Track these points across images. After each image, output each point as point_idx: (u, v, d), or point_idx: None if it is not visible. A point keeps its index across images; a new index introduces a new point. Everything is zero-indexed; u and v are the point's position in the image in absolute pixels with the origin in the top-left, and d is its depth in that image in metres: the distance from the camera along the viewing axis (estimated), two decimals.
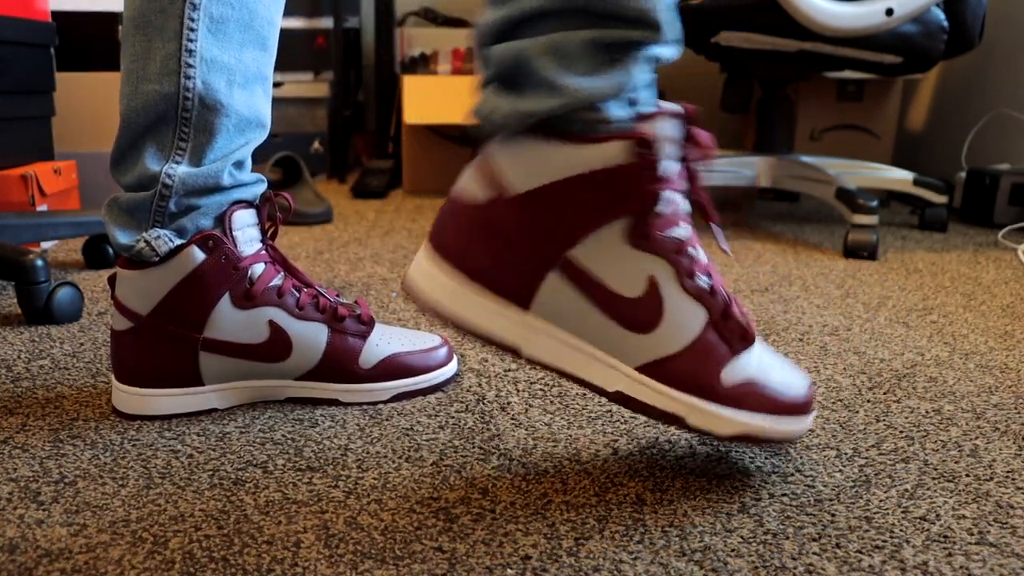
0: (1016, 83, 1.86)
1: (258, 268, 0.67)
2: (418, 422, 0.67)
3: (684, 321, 0.54)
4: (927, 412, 0.70)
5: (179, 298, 0.65)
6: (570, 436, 0.64)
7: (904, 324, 0.96)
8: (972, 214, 1.72)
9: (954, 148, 2.06)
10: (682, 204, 0.55)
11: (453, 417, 0.68)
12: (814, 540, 0.50)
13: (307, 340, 0.68)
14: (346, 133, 2.27)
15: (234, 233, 0.66)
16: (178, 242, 0.65)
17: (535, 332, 0.54)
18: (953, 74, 2.08)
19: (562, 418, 0.68)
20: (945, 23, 1.40)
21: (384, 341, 0.72)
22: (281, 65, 2.15)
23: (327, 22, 2.20)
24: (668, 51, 0.54)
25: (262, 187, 0.69)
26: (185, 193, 0.64)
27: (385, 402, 0.70)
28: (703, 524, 0.52)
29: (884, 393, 0.75)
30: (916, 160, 2.22)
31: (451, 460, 0.60)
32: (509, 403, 0.71)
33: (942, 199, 1.60)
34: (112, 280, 0.67)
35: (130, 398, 0.66)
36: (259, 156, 0.90)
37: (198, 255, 0.65)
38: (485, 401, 0.71)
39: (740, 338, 0.56)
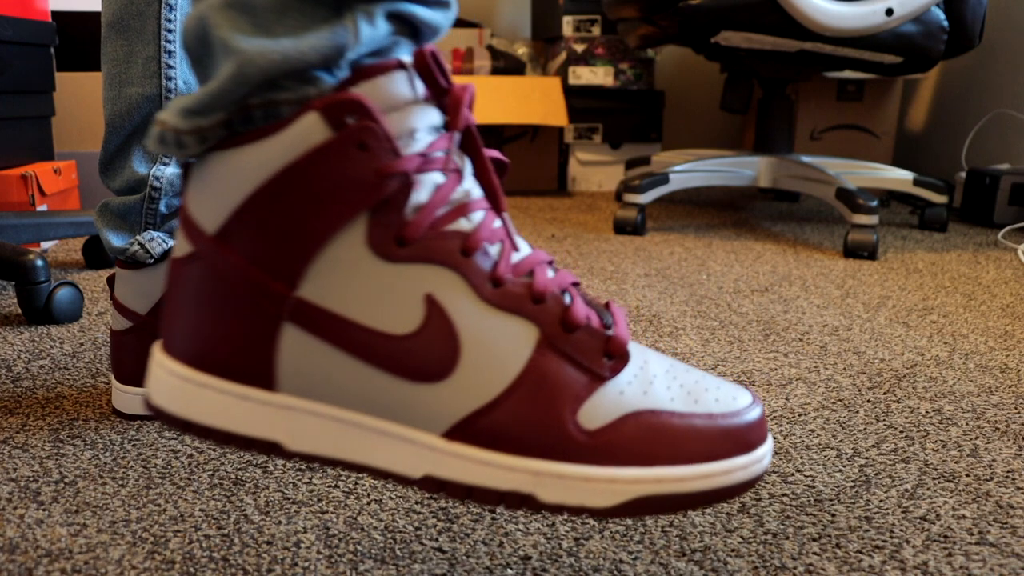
0: (1016, 83, 1.86)
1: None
2: None
3: (497, 349, 0.37)
4: (927, 412, 0.70)
5: None
6: None
7: (904, 324, 0.96)
8: (972, 214, 1.73)
9: (954, 148, 2.06)
10: (465, 187, 0.39)
11: None
12: (814, 540, 0.50)
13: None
14: None
15: None
16: (171, 243, 0.65)
17: (295, 417, 0.38)
18: (953, 74, 2.08)
19: None
20: (945, 23, 1.40)
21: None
22: None
23: None
24: (423, 10, 0.39)
25: None
26: (175, 194, 0.65)
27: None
28: (703, 524, 0.52)
29: (884, 393, 0.75)
30: (916, 160, 2.22)
31: None
32: None
33: (942, 199, 1.60)
34: (111, 280, 0.67)
35: (130, 398, 0.66)
36: None
37: None
38: None
39: (602, 355, 0.38)
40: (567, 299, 0.39)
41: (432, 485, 0.38)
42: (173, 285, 0.40)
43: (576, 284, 0.41)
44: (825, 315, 1.00)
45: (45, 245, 1.36)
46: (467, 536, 0.50)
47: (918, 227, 1.65)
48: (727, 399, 0.40)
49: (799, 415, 0.69)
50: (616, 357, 0.39)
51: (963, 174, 1.77)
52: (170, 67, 0.63)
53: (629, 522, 0.52)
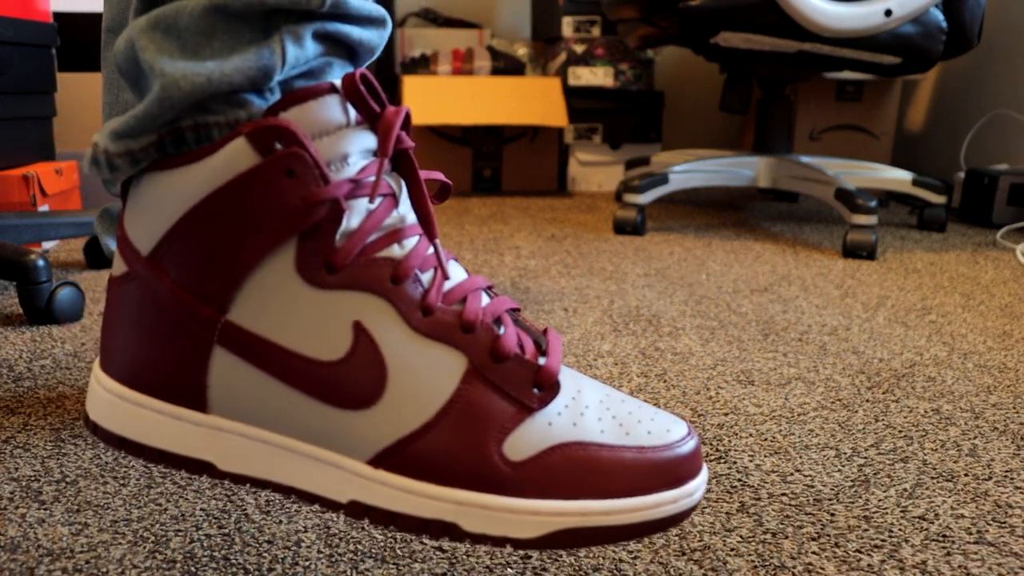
0: (1015, 83, 1.86)
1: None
2: None
3: (424, 378, 0.37)
4: (926, 412, 0.71)
5: None
6: None
7: (903, 324, 0.97)
8: (971, 214, 1.73)
9: (953, 148, 2.07)
10: (400, 212, 0.39)
11: None
12: (813, 539, 0.50)
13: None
14: None
15: None
16: None
17: (225, 438, 0.39)
18: (952, 75, 2.08)
19: None
20: (944, 24, 1.40)
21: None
22: None
23: None
24: (354, 29, 0.39)
25: None
26: None
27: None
28: (702, 523, 0.52)
29: (883, 393, 0.75)
30: (915, 160, 2.22)
31: None
32: None
33: (941, 199, 1.60)
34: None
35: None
36: None
37: None
38: None
39: (531, 385, 0.38)
40: (499, 328, 0.39)
41: (358, 511, 0.38)
42: (110, 304, 0.40)
43: (515, 310, 0.41)
44: (824, 315, 1.00)
45: (46, 245, 1.36)
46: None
47: (917, 227, 1.65)
48: (660, 431, 0.39)
49: (798, 415, 0.69)
50: (545, 388, 0.38)
51: (962, 174, 1.78)
52: None
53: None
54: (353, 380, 0.37)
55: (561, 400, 0.39)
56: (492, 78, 1.99)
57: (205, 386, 0.38)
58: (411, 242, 0.39)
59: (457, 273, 0.40)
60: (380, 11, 0.41)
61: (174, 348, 0.38)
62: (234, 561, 0.47)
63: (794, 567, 0.47)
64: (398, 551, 0.48)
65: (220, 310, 0.37)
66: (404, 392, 0.37)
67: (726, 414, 0.69)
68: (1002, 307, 1.05)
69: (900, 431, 0.66)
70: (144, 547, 0.48)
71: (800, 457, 0.61)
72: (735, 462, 0.60)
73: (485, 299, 0.40)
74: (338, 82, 0.38)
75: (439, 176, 0.42)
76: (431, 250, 0.40)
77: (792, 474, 0.59)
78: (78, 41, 1.80)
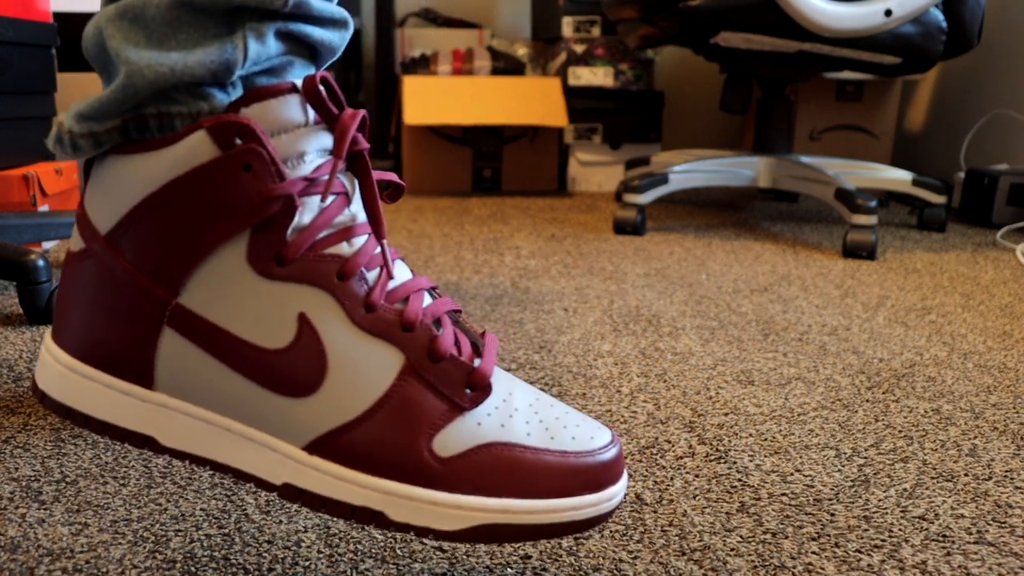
0: (1015, 83, 1.86)
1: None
2: None
3: (362, 372, 0.39)
4: (926, 412, 0.71)
5: None
6: None
7: (903, 324, 0.97)
8: (971, 214, 1.73)
9: (953, 148, 2.07)
10: (351, 211, 0.41)
11: None
12: (813, 539, 0.50)
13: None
14: None
15: None
16: None
17: (169, 415, 0.40)
18: (952, 75, 2.08)
19: None
20: (944, 24, 1.40)
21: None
22: None
23: None
24: (316, 30, 0.41)
25: None
26: None
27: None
28: (702, 523, 0.52)
29: (883, 393, 0.75)
30: (915, 160, 2.22)
31: None
32: None
33: (941, 199, 1.60)
34: None
35: None
36: None
37: None
38: None
39: (464, 385, 0.40)
40: (437, 329, 0.41)
41: (291, 493, 0.40)
42: (66, 278, 0.42)
43: (457, 311, 0.43)
44: (824, 315, 1.00)
45: (47, 245, 1.36)
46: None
47: (917, 227, 1.65)
48: (584, 438, 0.41)
49: (798, 415, 0.69)
50: (477, 389, 0.40)
51: (962, 174, 1.78)
52: None
53: (629, 521, 0.52)
54: (294, 369, 0.39)
55: (492, 402, 0.40)
56: (492, 78, 1.99)
57: (152, 364, 0.40)
58: (360, 240, 0.40)
59: (402, 273, 0.42)
60: (342, 13, 0.42)
61: (125, 326, 0.40)
62: (234, 561, 0.47)
63: (794, 567, 0.47)
64: (398, 551, 0.48)
65: (172, 293, 0.39)
66: (342, 384, 0.39)
67: (726, 414, 0.69)
68: (1002, 307, 1.05)
69: (900, 431, 0.66)
70: (144, 547, 0.48)
71: (800, 457, 0.61)
72: (735, 462, 0.60)
73: (427, 299, 0.42)
74: (299, 82, 0.39)
75: (392, 177, 0.44)
76: (378, 249, 0.41)
77: (792, 474, 0.59)
78: (78, 41, 1.80)
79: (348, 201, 0.41)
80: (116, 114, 0.38)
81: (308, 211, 0.39)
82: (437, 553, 0.48)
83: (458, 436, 0.39)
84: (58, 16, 1.76)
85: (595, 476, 0.40)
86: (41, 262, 0.91)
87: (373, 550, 0.48)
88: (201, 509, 0.53)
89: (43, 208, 1.31)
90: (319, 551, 0.48)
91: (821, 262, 1.31)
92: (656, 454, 0.61)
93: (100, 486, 0.56)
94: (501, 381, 0.42)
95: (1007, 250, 1.44)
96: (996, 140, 1.92)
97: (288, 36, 0.40)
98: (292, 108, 0.39)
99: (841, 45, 1.39)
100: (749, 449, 0.63)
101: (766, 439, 0.64)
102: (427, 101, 1.95)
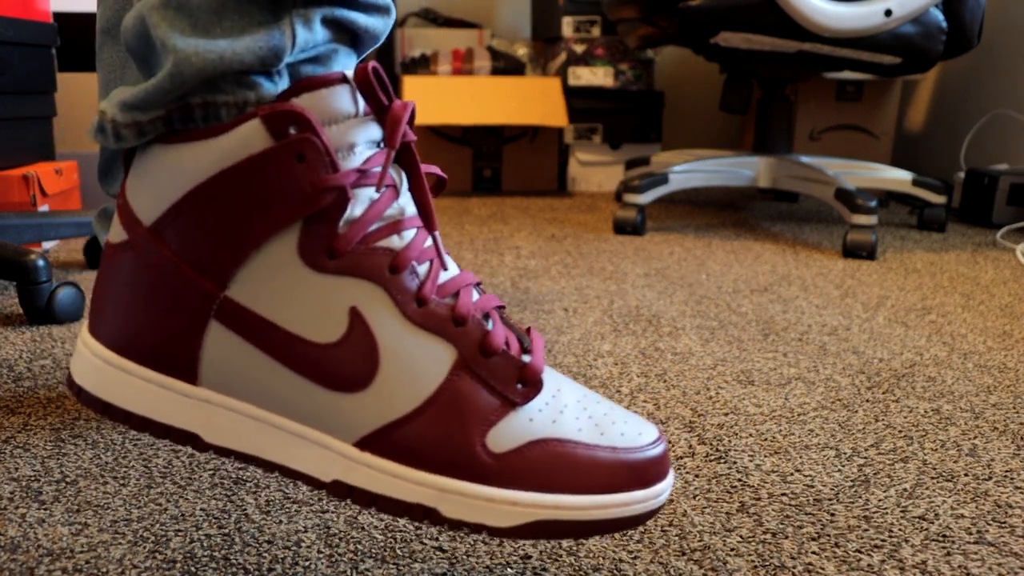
0: (1015, 83, 1.86)
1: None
2: None
3: (414, 367, 0.38)
4: (926, 412, 0.71)
5: None
6: None
7: (903, 324, 0.97)
8: (971, 214, 1.73)
9: (953, 148, 2.07)
10: (400, 204, 0.40)
11: None
12: (813, 539, 0.50)
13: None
14: None
15: None
16: None
17: (213, 411, 0.39)
18: (952, 75, 2.08)
19: None
20: (944, 24, 1.40)
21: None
22: None
23: None
24: (361, 16, 0.40)
25: None
26: None
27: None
28: (702, 523, 0.52)
29: (883, 393, 0.75)
30: (915, 160, 2.22)
31: None
32: None
33: (941, 199, 1.60)
34: None
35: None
36: None
37: None
38: None
39: (515, 381, 0.39)
40: (488, 324, 0.40)
41: (341, 490, 0.39)
42: (105, 269, 0.41)
43: (501, 308, 0.42)
44: (824, 315, 1.00)
45: (46, 245, 1.36)
46: (467, 535, 0.50)
47: (917, 227, 1.65)
48: (632, 434, 0.40)
49: (798, 415, 0.69)
50: (529, 384, 0.40)
51: (962, 174, 1.78)
52: None
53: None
54: (346, 363, 0.38)
55: (542, 398, 0.40)
56: (492, 78, 1.99)
57: (198, 359, 0.39)
58: (410, 233, 0.40)
59: (451, 266, 0.41)
60: None
61: (169, 319, 0.39)
62: (234, 561, 0.47)
63: (794, 567, 0.47)
64: (398, 551, 0.48)
65: (220, 285, 0.38)
66: (394, 378, 0.38)
67: (726, 414, 0.69)
68: (1002, 307, 1.05)
69: (900, 431, 0.66)
70: (144, 547, 0.48)
71: (800, 457, 0.61)
72: (735, 462, 0.60)
73: (475, 295, 0.41)
74: (350, 73, 0.38)
75: (436, 170, 0.43)
76: (429, 242, 0.41)
77: (792, 474, 0.59)
78: (78, 41, 1.80)
79: (397, 194, 0.40)
80: (161, 104, 0.37)
81: (359, 203, 0.38)
82: (437, 553, 0.48)
83: (511, 432, 0.39)
84: (58, 16, 1.76)
85: (644, 472, 0.39)
86: (41, 262, 0.91)
87: (373, 550, 0.48)
88: (201, 509, 0.53)
89: (43, 208, 1.31)
90: (319, 551, 0.48)
91: (821, 262, 1.31)
92: None
93: (100, 486, 0.56)
94: (549, 377, 0.42)
95: (1007, 250, 1.44)
96: (996, 140, 1.92)
97: (333, 23, 0.39)
98: (343, 98, 0.38)
99: (841, 45, 1.39)
100: (749, 449, 0.63)
101: (766, 439, 0.64)
102: (427, 101, 1.95)
